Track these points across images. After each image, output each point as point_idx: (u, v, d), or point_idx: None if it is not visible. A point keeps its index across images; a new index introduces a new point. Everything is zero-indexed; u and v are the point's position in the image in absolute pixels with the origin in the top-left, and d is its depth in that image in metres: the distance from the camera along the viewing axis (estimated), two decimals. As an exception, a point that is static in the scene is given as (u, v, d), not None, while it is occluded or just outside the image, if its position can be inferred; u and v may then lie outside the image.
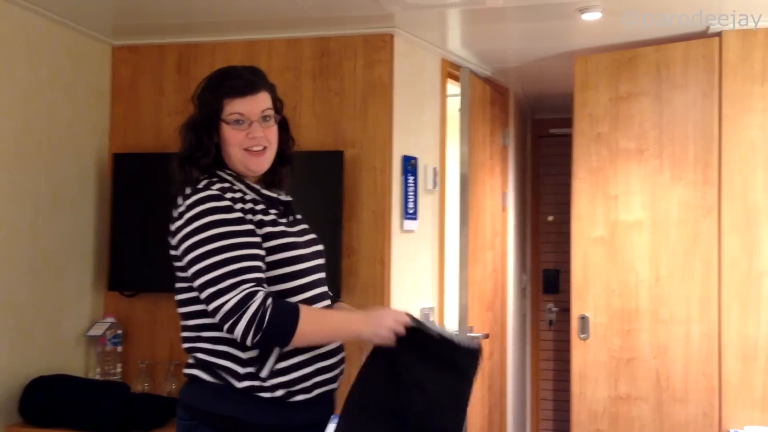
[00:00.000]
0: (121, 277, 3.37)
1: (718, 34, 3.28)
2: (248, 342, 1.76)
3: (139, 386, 3.26)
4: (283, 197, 2.02)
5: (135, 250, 3.33)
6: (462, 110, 3.66)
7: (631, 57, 3.49)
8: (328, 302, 2.01)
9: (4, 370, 2.92)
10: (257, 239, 1.85)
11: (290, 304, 1.83)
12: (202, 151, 1.91)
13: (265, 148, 1.94)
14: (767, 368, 3.17)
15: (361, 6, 3.00)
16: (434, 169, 3.54)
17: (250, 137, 1.91)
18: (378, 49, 3.26)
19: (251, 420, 1.84)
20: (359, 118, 3.27)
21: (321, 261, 2.04)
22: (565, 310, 5.11)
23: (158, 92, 3.49)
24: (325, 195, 3.16)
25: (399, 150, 3.30)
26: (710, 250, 3.27)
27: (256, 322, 1.74)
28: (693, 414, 3.28)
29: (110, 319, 3.36)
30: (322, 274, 2.02)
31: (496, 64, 3.99)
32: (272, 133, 1.95)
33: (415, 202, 3.38)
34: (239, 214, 1.84)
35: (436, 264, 3.57)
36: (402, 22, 3.23)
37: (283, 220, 1.97)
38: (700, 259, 3.29)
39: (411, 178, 3.36)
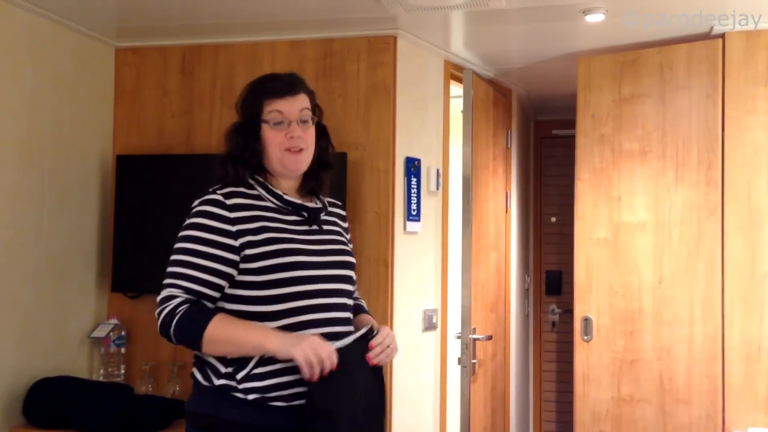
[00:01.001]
0: (125, 279, 3.38)
1: (722, 36, 3.28)
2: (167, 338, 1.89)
3: (143, 388, 3.27)
4: (311, 204, 2.05)
5: (138, 251, 3.33)
6: (465, 112, 3.66)
7: (635, 58, 3.49)
8: (343, 314, 1.99)
9: (8, 371, 2.92)
10: (226, 255, 1.89)
11: (204, 312, 1.87)
12: (250, 151, 1.98)
13: (302, 149, 1.99)
14: (771, 370, 3.16)
15: (364, 8, 3.01)
16: (437, 170, 3.54)
17: (288, 137, 1.97)
18: (381, 50, 3.27)
19: (225, 417, 1.88)
20: (362, 119, 3.28)
21: (338, 272, 2.01)
22: (567, 311, 5.11)
23: (162, 94, 3.50)
24: (329, 197, 3.15)
25: (402, 152, 3.30)
26: (713, 251, 3.26)
27: (165, 322, 1.86)
28: (696, 416, 3.27)
29: (114, 321, 3.36)
30: (336, 285, 1.99)
31: (499, 65, 3.99)
32: (310, 135, 2.01)
33: (418, 203, 3.39)
34: (224, 226, 1.90)
35: (439, 265, 3.57)
36: (405, 24, 3.23)
37: (302, 228, 1.99)
38: (703, 261, 3.29)
39: (414, 180, 3.36)
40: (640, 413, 3.40)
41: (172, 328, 1.85)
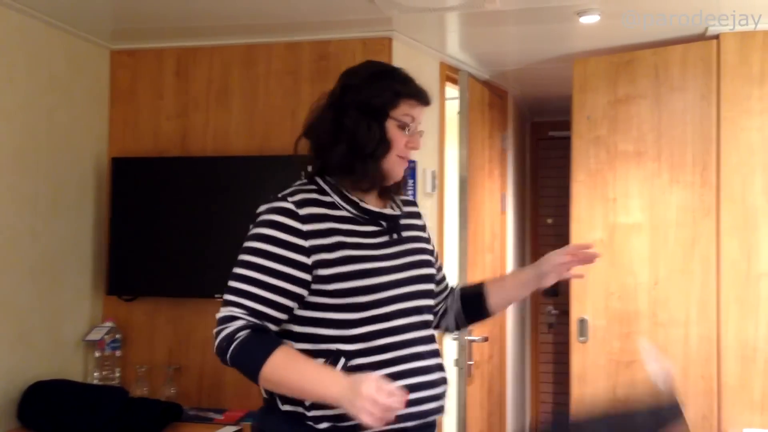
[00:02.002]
0: (120, 282, 3.37)
1: (716, 37, 3.28)
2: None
3: (138, 391, 3.26)
4: (389, 211, 1.85)
5: (134, 254, 3.33)
6: (461, 113, 3.66)
7: (630, 60, 3.49)
8: (424, 332, 1.82)
9: (2, 375, 2.91)
10: (297, 273, 1.70)
11: (265, 343, 1.66)
12: (384, 146, 1.76)
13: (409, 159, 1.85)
14: (766, 370, 3.16)
15: (359, 10, 3.01)
16: (433, 172, 3.54)
17: (409, 145, 1.80)
18: (376, 52, 3.26)
19: None
20: (358, 121, 3.27)
21: (420, 287, 1.83)
22: (564, 312, 5.11)
23: (157, 96, 3.49)
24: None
25: (398, 153, 3.30)
26: (709, 252, 3.27)
27: (222, 347, 1.67)
28: (692, 416, 3.27)
29: (109, 324, 3.35)
30: (417, 302, 1.81)
31: (494, 67, 3.99)
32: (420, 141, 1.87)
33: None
34: (296, 240, 1.70)
35: (435, 267, 3.56)
36: (400, 26, 3.23)
37: (380, 240, 1.80)
38: (698, 262, 3.29)
39: (410, 182, 3.36)
40: (637, 414, 3.40)
41: (228, 355, 1.65)
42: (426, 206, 3.50)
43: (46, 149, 3.13)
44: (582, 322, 3.54)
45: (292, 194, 1.75)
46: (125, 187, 3.38)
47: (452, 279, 1.90)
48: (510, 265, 4.51)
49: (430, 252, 1.95)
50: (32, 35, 3.05)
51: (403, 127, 1.78)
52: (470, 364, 3.63)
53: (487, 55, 3.77)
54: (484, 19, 3.14)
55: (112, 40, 3.48)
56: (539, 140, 5.53)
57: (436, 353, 1.84)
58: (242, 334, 1.65)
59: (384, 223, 1.82)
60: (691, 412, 3.28)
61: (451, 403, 3.67)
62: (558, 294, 5.39)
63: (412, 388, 1.68)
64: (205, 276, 3.20)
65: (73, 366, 3.28)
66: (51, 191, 3.15)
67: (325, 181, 1.80)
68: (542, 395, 5.47)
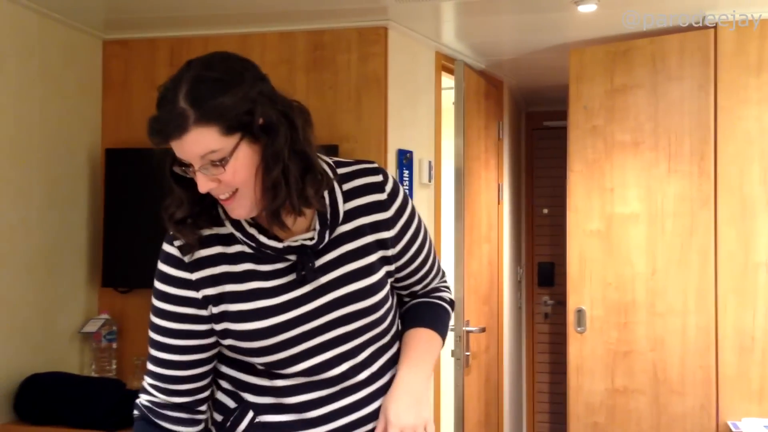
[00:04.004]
0: (115, 273, 3.35)
1: (714, 26, 3.27)
2: None
3: (135, 383, 3.23)
4: (295, 242, 1.42)
5: (129, 245, 3.31)
6: (457, 103, 3.65)
7: (627, 49, 3.48)
8: (354, 360, 1.49)
9: (-3, 368, 2.90)
10: (197, 328, 1.45)
11: None
12: (174, 202, 1.42)
13: (234, 191, 1.35)
14: (764, 359, 3.17)
15: (354, -1, 2.99)
16: (429, 162, 3.52)
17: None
18: (372, 42, 3.24)
19: None
20: (354, 112, 3.25)
21: (340, 331, 1.47)
22: (560, 303, 5.11)
23: (150, 87, 3.46)
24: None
25: (394, 144, 3.28)
26: (706, 242, 3.26)
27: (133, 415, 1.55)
28: (690, 406, 3.28)
29: (104, 316, 3.34)
30: (338, 349, 1.47)
31: (490, 56, 3.97)
32: (230, 175, 1.32)
33: (411, 195, 3.37)
34: (187, 293, 1.44)
35: (432, 258, 3.55)
36: (396, 15, 3.21)
37: (284, 280, 1.43)
38: (696, 251, 3.29)
39: (406, 172, 3.34)
40: (634, 404, 3.40)
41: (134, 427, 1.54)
42: (422, 197, 3.49)
43: (39, 141, 3.10)
44: (579, 313, 3.53)
45: (167, 243, 1.45)
46: (119, 178, 3.36)
47: (446, 271, 1.75)
48: (506, 255, 4.50)
49: (370, 272, 1.48)
50: (24, 25, 3.02)
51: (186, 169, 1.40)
52: (467, 355, 3.63)
53: (483, 45, 3.75)
54: (480, 7, 3.12)
55: (104, 30, 3.45)
56: (535, 130, 5.52)
57: (376, 376, 1.52)
58: (136, 422, 1.54)
59: (293, 257, 1.43)
60: (689, 402, 3.28)
61: (448, 394, 3.68)
62: (554, 284, 5.39)
63: (312, 423, 1.47)
64: (200, 268, 3.18)
65: (69, 358, 3.27)
66: (45, 183, 3.13)
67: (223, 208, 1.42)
68: (539, 385, 5.47)
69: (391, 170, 3.26)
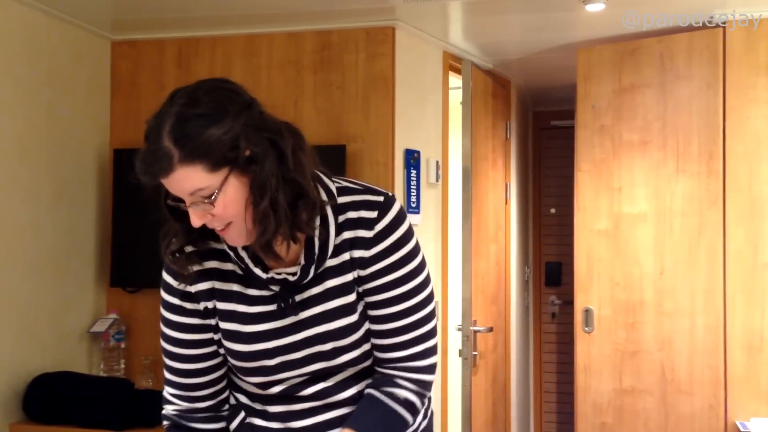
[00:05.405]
0: (123, 273, 3.36)
1: (722, 25, 3.26)
2: None
3: (143, 382, 3.25)
4: (278, 274, 1.42)
5: (137, 245, 3.32)
6: (464, 103, 3.64)
7: (635, 48, 3.47)
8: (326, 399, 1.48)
9: (7, 367, 2.91)
10: (198, 335, 1.49)
11: None
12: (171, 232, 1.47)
13: (228, 223, 1.35)
14: (773, 360, 3.16)
15: (362, -1, 2.99)
16: (437, 162, 3.52)
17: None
18: (379, 42, 3.24)
19: None
20: (361, 111, 3.26)
21: (316, 366, 1.46)
22: (567, 302, 5.10)
23: (158, 87, 3.47)
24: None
25: (401, 144, 3.28)
26: (715, 241, 3.25)
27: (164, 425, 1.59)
28: (698, 406, 3.27)
29: (113, 316, 3.35)
30: (312, 366, 1.46)
31: (498, 56, 3.97)
32: (220, 209, 1.32)
33: (418, 195, 3.37)
34: (184, 304, 1.48)
35: (440, 258, 3.55)
36: (403, 15, 3.21)
37: (266, 308, 1.44)
38: (704, 251, 3.28)
39: (414, 172, 3.34)
40: (642, 404, 3.39)
41: None
42: (430, 197, 3.49)
43: (48, 141, 3.11)
44: (587, 312, 3.52)
45: (176, 246, 1.46)
46: (127, 178, 3.36)
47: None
48: (513, 255, 4.50)
49: (349, 311, 1.45)
50: (32, 26, 3.03)
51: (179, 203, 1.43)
52: (475, 355, 3.63)
53: (491, 45, 3.74)
54: (488, 7, 3.12)
55: (112, 31, 3.46)
56: (542, 129, 5.50)
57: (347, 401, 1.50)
58: (167, 430, 1.57)
59: (277, 288, 1.43)
60: (697, 403, 3.27)
61: (455, 393, 3.68)
62: (561, 284, 5.38)
63: (294, 415, 1.50)
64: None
65: (78, 358, 3.28)
66: (53, 183, 3.14)
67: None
68: (546, 385, 5.46)
69: (399, 170, 3.26)
